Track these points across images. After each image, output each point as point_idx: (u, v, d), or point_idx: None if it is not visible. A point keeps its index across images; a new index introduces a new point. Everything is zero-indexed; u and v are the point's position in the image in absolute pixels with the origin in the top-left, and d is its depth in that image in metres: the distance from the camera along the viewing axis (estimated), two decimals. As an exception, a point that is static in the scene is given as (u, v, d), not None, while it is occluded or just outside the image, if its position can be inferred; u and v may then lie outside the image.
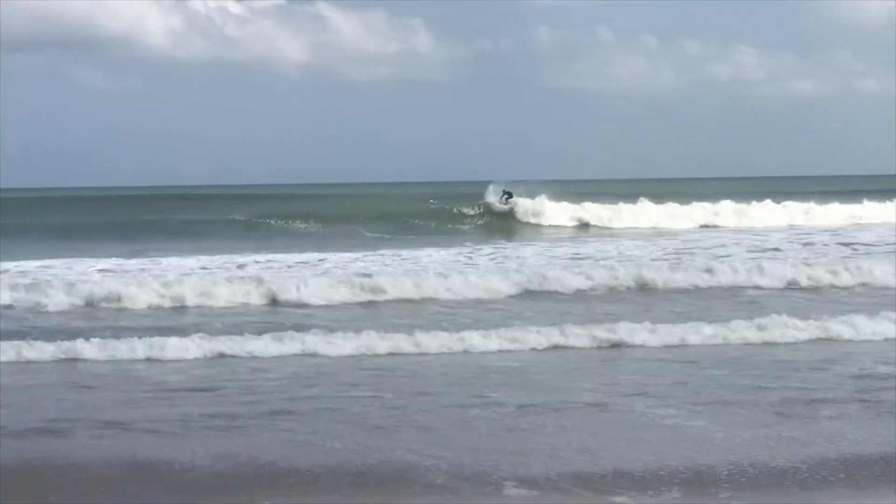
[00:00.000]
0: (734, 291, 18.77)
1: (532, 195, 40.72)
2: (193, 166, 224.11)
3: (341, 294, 18.02)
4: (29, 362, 12.96)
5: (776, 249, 26.55)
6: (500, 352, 13.34)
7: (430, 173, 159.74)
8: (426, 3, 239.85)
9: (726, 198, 41.31)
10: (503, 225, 38.52)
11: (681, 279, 19.32)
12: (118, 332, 14.41)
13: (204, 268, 22.79)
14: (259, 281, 18.72)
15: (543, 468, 8.18)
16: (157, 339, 13.58)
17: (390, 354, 13.27)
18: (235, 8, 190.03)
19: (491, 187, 41.82)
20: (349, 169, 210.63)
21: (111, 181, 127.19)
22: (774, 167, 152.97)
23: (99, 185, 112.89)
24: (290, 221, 39.11)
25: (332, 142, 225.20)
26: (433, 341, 13.66)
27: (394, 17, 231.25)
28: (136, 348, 13.32)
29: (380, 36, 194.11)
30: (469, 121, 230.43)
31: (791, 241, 29.12)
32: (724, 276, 19.47)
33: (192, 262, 23.82)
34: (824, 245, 28.24)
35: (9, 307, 17.50)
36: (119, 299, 17.71)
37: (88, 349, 13.28)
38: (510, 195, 41.13)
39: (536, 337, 13.74)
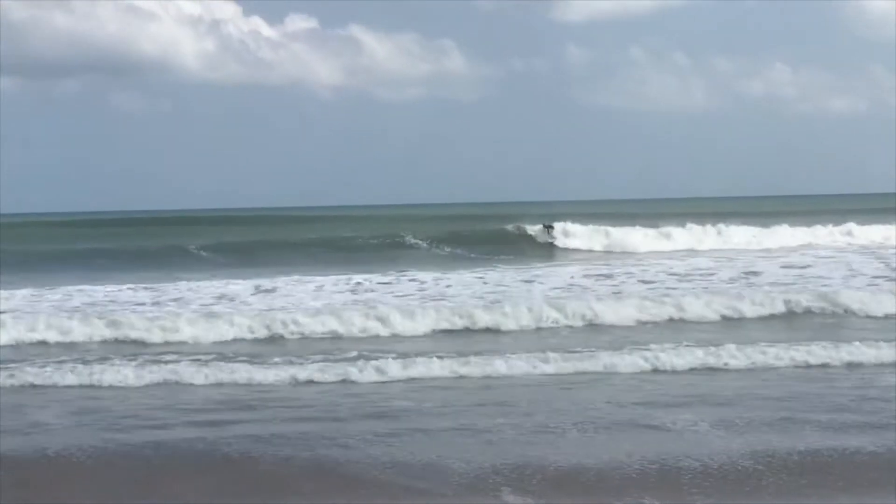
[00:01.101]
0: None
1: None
2: (227, 188, 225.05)
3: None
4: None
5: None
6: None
7: (465, 194, 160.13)
8: (457, 24, 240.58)
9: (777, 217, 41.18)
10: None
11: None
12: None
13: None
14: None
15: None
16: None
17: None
18: (268, 31, 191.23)
19: (539, 226, 41.74)
20: (383, 190, 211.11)
21: (146, 205, 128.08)
22: (809, 185, 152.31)
23: (135, 209, 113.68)
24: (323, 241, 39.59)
25: (365, 163, 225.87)
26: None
27: (425, 38, 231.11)
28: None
29: (412, 57, 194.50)
30: (501, 140, 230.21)
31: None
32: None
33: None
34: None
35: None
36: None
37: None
38: (551, 227, 41.16)
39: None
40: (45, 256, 35.17)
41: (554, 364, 13.76)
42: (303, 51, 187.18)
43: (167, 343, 16.47)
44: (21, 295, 22.34)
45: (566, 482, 8.66)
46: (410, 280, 25.18)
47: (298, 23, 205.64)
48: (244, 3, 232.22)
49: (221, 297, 22.17)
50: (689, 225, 39.19)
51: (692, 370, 13.63)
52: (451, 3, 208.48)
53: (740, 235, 38.44)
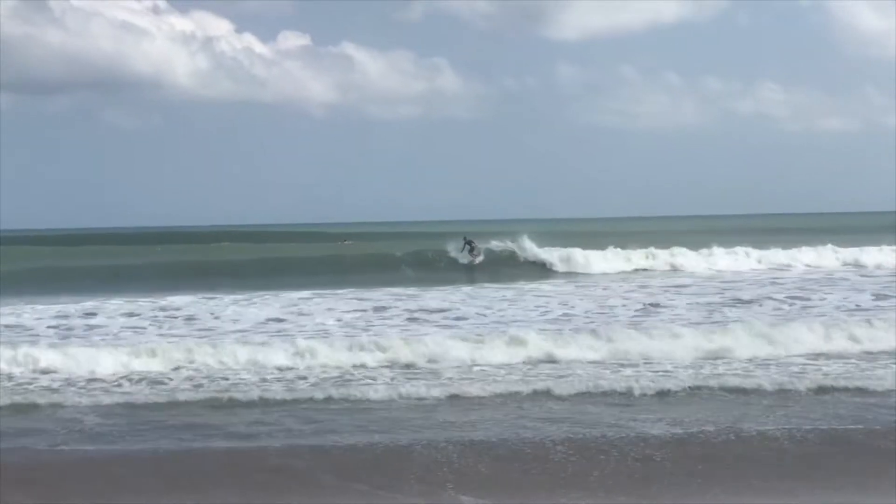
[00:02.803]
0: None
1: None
2: (220, 206, 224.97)
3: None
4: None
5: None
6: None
7: (458, 211, 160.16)
8: (450, 43, 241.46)
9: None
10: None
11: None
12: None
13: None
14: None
15: None
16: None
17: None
18: (261, 48, 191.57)
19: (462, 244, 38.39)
20: (376, 208, 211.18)
21: (137, 221, 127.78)
22: (799, 204, 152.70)
23: (127, 225, 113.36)
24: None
25: (357, 181, 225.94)
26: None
27: (418, 56, 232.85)
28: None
29: (405, 75, 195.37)
30: (495, 159, 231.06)
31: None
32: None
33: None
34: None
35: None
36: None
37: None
38: (471, 245, 37.70)
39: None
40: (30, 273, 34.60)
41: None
42: (295, 68, 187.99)
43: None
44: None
45: None
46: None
47: (291, 40, 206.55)
48: (237, 21, 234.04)
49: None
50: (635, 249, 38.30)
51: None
52: (444, 22, 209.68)
53: (690, 258, 37.76)
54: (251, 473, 9.60)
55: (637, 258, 37.45)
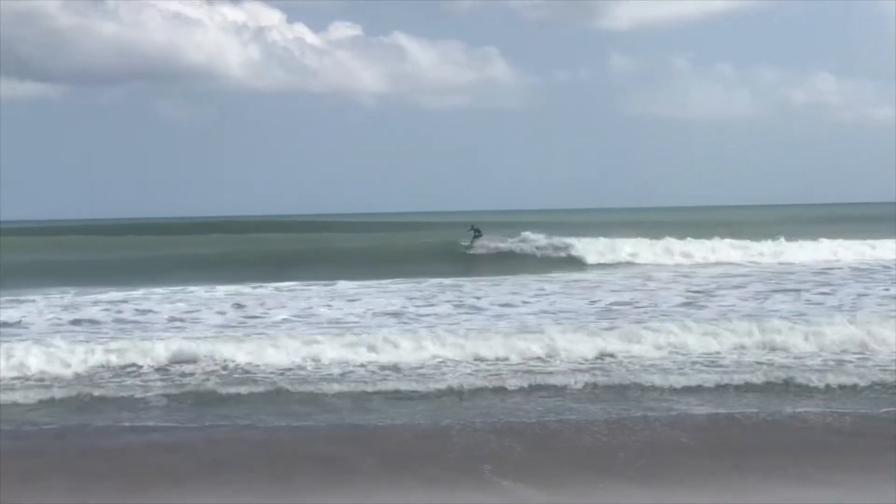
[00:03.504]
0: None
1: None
2: (271, 196, 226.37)
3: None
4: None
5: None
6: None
7: (508, 201, 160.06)
8: (501, 32, 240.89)
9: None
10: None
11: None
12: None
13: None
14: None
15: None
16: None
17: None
18: (312, 38, 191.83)
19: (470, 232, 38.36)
20: (425, 198, 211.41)
21: (189, 211, 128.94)
22: (852, 193, 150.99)
23: (180, 214, 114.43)
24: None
25: (409, 171, 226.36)
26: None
27: (469, 46, 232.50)
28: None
29: (455, 65, 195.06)
30: (545, 149, 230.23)
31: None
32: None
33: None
34: None
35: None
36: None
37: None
38: (479, 233, 37.72)
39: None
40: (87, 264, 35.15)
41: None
42: (346, 58, 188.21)
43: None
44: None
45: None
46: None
47: (342, 30, 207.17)
48: (288, 11, 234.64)
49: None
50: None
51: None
52: (495, 11, 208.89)
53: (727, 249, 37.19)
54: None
55: (700, 249, 36.82)
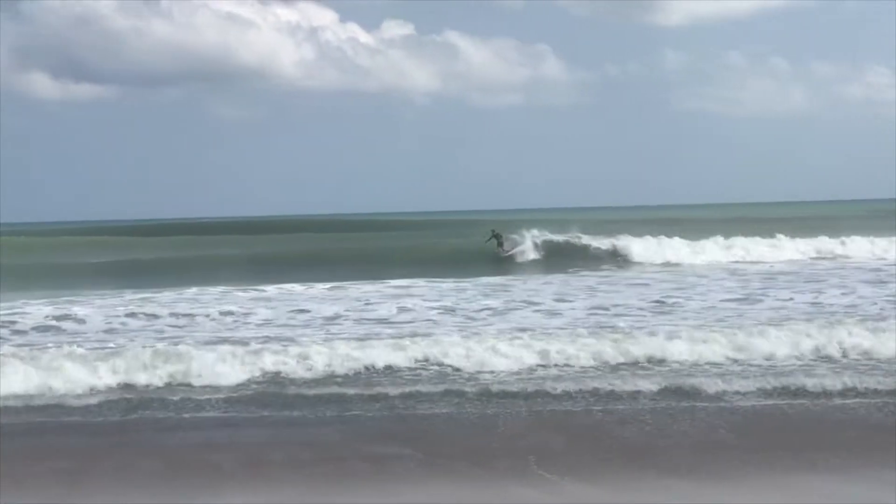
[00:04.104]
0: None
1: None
2: (323, 195, 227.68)
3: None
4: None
5: None
6: None
7: (561, 199, 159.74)
8: (553, 29, 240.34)
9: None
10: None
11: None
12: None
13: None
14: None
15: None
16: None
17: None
18: (365, 38, 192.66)
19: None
20: (479, 196, 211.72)
21: (243, 210, 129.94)
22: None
23: (234, 214, 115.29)
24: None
25: (460, 169, 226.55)
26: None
27: (522, 44, 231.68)
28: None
29: (508, 63, 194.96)
30: (598, 146, 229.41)
31: None
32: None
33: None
34: None
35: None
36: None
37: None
38: (500, 238, 36.39)
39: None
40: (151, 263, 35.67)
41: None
42: (399, 57, 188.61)
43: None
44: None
45: None
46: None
47: (395, 29, 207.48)
48: (341, 10, 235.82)
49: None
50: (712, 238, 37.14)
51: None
52: (547, 9, 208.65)
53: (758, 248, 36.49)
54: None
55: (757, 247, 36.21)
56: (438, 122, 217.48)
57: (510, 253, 35.91)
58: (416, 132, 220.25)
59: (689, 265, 33.35)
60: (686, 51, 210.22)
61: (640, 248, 36.08)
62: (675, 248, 35.88)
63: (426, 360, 14.51)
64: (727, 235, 37.37)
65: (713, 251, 35.83)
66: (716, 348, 14.78)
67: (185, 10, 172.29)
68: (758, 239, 37.13)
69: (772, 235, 37.51)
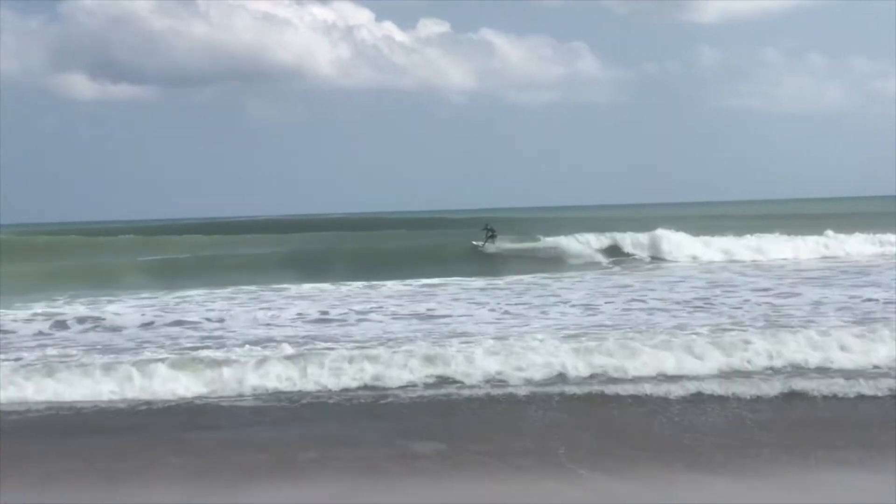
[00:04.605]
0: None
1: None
2: (360, 193, 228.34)
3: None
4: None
5: None
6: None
7: (598, 196, 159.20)
8: (589, 27, 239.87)
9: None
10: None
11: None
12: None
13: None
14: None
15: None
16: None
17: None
18: (401, 36, 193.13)
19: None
20: (516, 194, 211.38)
21: (281, 210, 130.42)
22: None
23: (271, 214, 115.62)
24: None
25: (497, 167, 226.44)
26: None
27: (557, 41, 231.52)
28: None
29: (544, 61, 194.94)
30: (634, 143, 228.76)
31: None
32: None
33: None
34: None
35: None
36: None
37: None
38: (493, 233, 36.37)
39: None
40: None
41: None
42: (435, 55, 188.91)
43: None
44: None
45: None
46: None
47: (431, 27, 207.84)
48: (377, 9, 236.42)
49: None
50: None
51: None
52: (583, 6, 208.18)
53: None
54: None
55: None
56: (474, 119, 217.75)
57: (483, 245, 35.90)
58: (451, 130, 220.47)
59: (726, 262, 33.19)
60: (723, 48, 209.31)
61: (675, 244, 35.71)
62: (708, 245, 35.65)
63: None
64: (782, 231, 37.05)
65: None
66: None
67: (222, 10, 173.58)
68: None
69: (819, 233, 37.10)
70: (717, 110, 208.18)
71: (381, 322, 19.12)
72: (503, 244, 36.70)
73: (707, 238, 36.31)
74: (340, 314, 20.29)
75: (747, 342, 14.44)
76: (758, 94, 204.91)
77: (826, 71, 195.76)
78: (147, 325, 19.34)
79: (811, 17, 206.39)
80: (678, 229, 37.12)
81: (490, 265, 32.43)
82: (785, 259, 33.99)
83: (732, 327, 16.48)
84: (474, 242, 36.47)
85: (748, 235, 36.80)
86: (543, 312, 19.93)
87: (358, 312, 20.43)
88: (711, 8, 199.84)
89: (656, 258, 34.95)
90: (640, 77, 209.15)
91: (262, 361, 13.79)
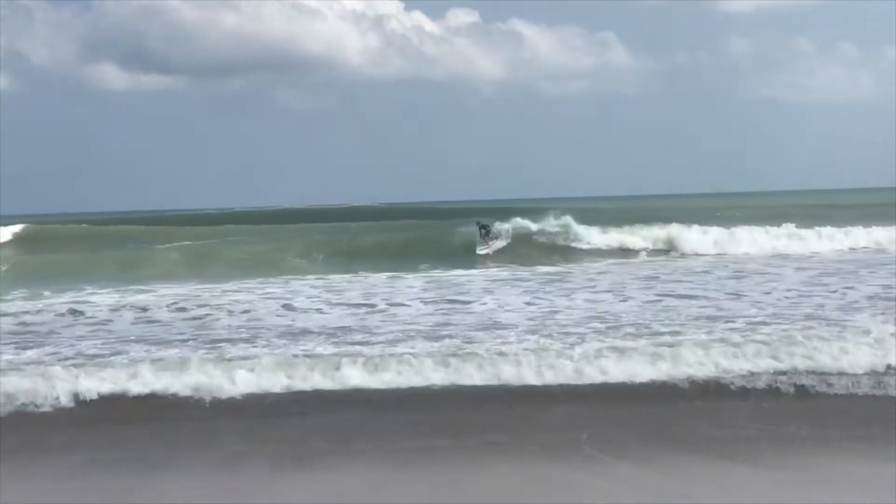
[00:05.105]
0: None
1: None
2: (391, 184, 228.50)
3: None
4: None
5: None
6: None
7: (629, 187, 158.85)
8: (619, 17, 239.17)
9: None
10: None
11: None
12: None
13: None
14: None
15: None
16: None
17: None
18: (430, 26, 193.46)
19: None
20: (547, 184, 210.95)
21: (312, 200, 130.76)
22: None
23: (300, 205, 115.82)
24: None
25: (527, 157, 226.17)
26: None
27: (587, 31, 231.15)
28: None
29: (574, 51, 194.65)
30: (665, 134, 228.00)
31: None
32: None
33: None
34: None
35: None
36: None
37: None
38: (487, 229, 34.05)
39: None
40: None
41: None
42: (464, 45, 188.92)
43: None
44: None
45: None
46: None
47: (460, 17, 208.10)
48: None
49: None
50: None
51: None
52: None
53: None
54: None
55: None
56: (504, 109, 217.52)
57: (486, 248, 33.29)
58: (481, 120, 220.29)
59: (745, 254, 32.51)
60: (755, 38, 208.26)
61: (695, 237, 34.61)
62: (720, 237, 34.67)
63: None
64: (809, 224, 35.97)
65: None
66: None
67: (252, 0, 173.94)
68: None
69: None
70: (750, 100, 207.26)
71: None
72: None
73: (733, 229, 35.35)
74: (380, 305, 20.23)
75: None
76: (790, 84, 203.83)
77: (858, 61, 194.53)
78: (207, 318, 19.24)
79: (843, 6, 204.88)
80: (716, 221, 36.50)
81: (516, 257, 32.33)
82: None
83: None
84: (479, 251, 33.31)
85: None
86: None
87: (394, 304, 20.34)
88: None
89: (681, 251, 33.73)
90: (670, 67, 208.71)
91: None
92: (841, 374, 12.69)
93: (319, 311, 19.67)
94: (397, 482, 9.05)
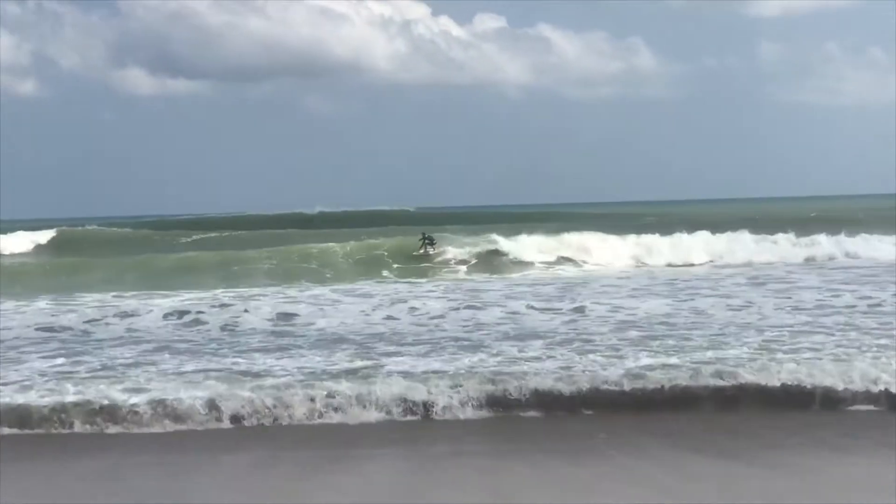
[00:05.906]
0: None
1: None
2: (418, 189, 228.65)
3: None
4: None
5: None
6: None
7: (656, 192, 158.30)
8: (646, 22, 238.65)
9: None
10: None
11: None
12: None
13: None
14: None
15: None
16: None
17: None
18: (458, 31, 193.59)
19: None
20: (573, 189, 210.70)
21: (336, 205, 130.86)
22: None
23: (328, 210, 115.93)
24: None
25: (554, 162, 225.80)
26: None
27: (614, 36, 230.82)
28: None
29: (601, 56, 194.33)
30: (693, 139, 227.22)
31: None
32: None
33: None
34: None
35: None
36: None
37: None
38: (431, 241, 34.27)
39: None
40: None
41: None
42: (492, 50, 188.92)
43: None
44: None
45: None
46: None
47: (487, 22, 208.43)
48: (433, 4, 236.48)
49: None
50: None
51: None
52: (640, 1, 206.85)
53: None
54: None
55: None
56: (531, 114, 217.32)
57: (428, 252, 33.84)
58: (509, 125, 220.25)
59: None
60: (783, 42, 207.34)
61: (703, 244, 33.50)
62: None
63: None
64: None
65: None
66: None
67: (279, 4, 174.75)
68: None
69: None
70: (778, 105, 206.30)
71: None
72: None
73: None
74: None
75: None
76: (819, 89, 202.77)
77: (887, 65, 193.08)
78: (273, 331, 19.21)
79: (872, 10, 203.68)
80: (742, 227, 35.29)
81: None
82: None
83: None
84: (420, 252, 33.80)
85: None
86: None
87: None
88: (770, 2, 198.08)
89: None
90: (698, 72, 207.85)
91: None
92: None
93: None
94: (423, 483, 9.13)
